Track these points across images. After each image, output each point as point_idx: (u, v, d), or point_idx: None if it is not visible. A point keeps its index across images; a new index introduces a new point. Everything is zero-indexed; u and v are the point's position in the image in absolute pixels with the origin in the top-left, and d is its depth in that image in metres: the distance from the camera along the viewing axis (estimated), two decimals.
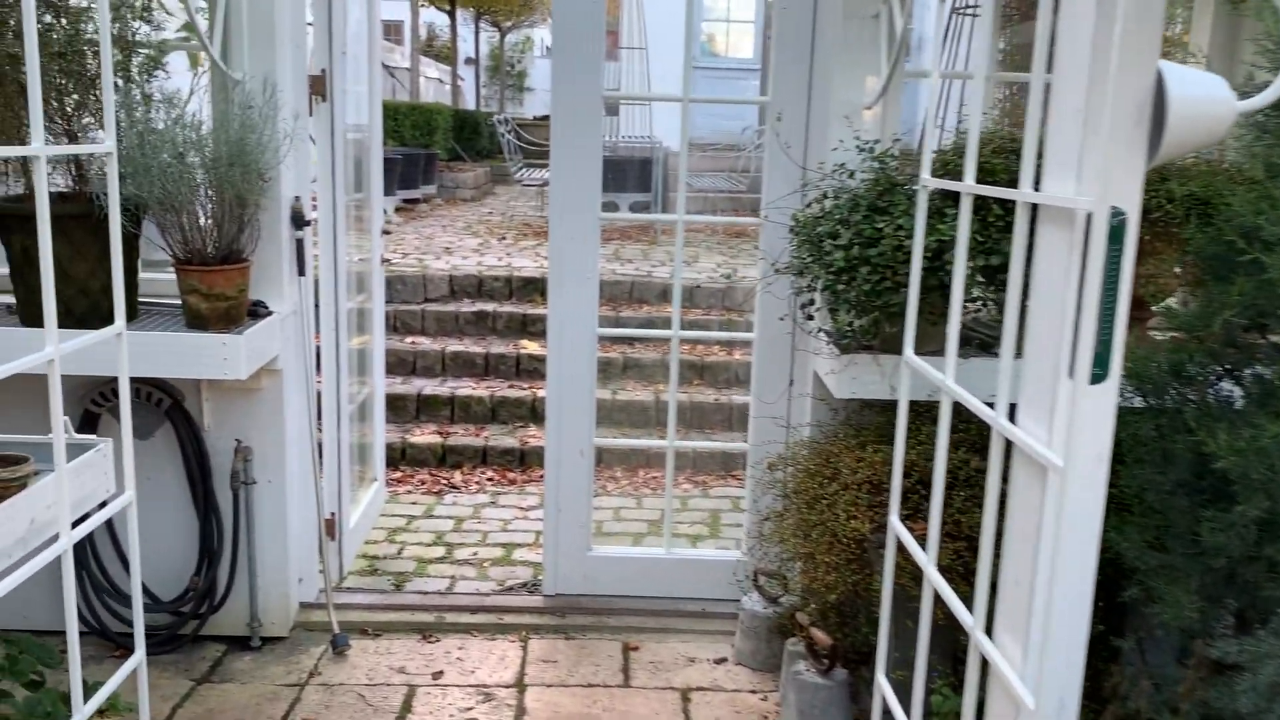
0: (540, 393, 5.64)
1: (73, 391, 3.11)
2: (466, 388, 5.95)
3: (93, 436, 2.33)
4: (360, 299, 4.09)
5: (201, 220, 2.86)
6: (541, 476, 5.18)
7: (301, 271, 3.31)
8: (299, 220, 3.25)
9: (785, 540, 3.04)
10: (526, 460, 5.39)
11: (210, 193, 2.88)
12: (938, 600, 1.78)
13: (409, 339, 6.43)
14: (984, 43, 1.89)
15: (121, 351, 2.14)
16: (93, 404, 3.15)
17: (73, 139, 2.83)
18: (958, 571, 2.37)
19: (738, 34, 14.18)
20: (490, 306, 6.74)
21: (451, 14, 19.39)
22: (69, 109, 2.83)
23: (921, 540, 1.89)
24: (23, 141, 2.75)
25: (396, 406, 5.71)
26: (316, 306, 3.57)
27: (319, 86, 3.42)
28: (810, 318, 2.97)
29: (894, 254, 2.64)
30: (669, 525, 3.64)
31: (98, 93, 2.83)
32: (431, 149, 12.81)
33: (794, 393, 3.40)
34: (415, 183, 11.44)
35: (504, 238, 9.31)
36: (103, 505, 2.22)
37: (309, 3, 3.43)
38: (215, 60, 2.94)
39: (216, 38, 2.95)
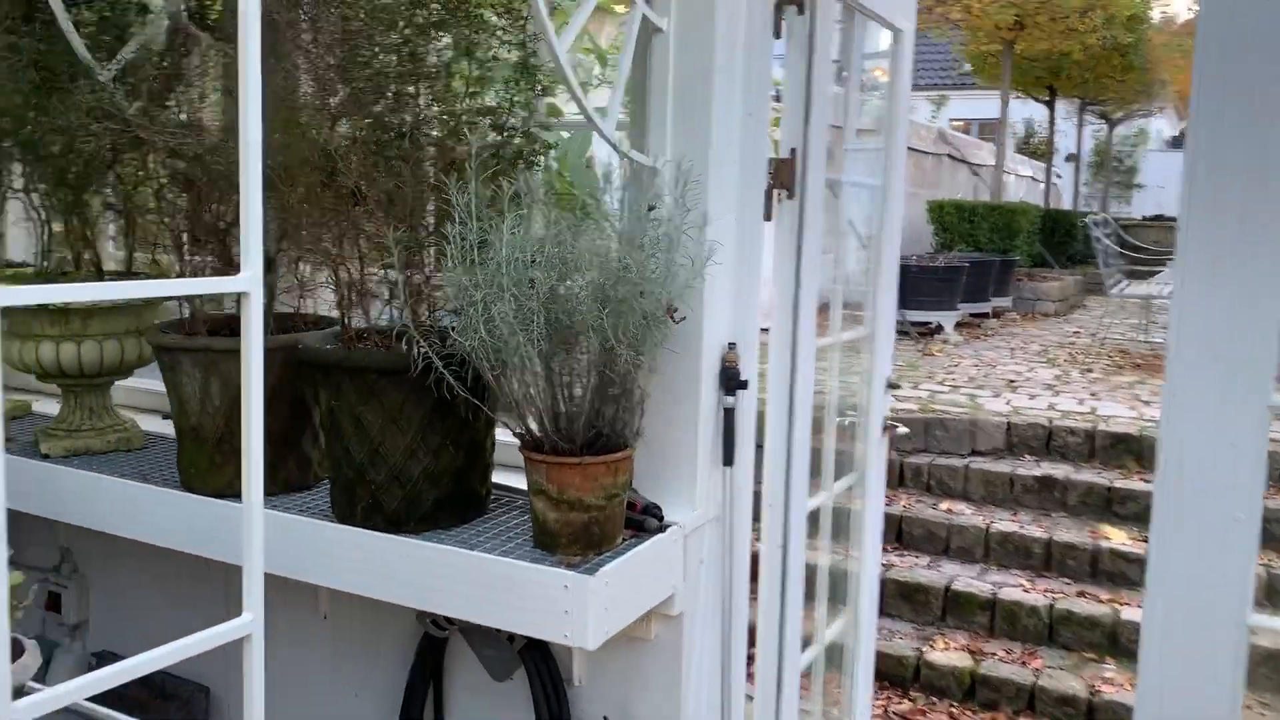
0: (1128, 612, 3.82)
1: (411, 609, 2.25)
2: (1015, 587, 4.30)
3: None
4: (843, 484, 2.80)
5: (549, 386, 1.81)
6: None
7: (728, 459, 2.13)
8: (731, 381, 2.09)
9: None
10: (1097, 718, 3.61)
11: (576, 340, 1.83)
12: None
13: (944, 505, 4.95)
14: None
15: None
16: (435, 626, 2.25)
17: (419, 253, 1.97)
18: None
19: None
20: (1060, 471, 4.99)
21: (1050, 105, 17.52)
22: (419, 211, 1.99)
23: None
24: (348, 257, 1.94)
25: (915, 600, 4.29)
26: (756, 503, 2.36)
27: (784, 176, 2.25)
28: None
29: None
30: None
31: (451, 178, 1.95)
32: (1010, 254, 11.14)
33: None
34: (984, 294, 9.88)
35: (1090, 369, 7.37)
36: None
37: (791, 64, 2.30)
38: (607, 138, 1.91)
39: (614, 107, 1.93)
